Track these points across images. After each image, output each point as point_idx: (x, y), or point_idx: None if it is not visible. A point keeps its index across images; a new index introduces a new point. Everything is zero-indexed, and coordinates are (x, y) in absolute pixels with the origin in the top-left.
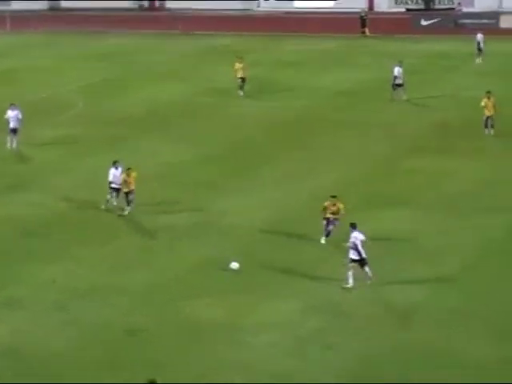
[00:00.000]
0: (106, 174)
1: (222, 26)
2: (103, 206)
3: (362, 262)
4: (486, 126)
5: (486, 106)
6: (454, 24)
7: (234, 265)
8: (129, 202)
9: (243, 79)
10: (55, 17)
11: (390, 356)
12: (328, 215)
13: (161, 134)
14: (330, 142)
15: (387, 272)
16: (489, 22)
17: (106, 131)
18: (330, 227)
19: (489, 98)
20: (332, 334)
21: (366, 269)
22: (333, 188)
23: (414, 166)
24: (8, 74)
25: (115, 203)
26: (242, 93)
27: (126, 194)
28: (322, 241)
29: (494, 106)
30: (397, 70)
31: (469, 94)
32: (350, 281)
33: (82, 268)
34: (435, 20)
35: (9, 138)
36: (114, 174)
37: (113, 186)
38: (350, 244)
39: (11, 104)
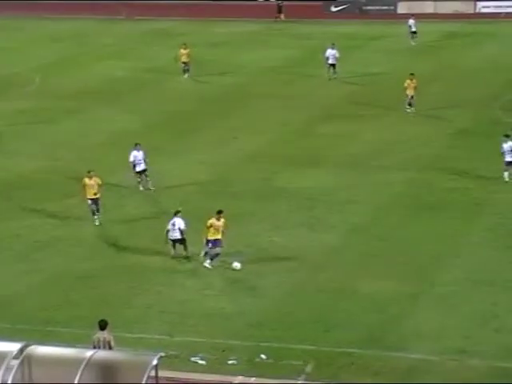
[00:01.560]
0: (62, 141)
1: (162, 12)
2: (141, 188)
3: (181, 241)
4: (410, 105)
5: (408, 87)
6: (359, 10)
7: (236, 265)
8: (95, 212)
9: (186, 63)
10: (15, 4)
11: (306, 294)
12: (210, 236)
13: (109, 106)
14: (254, 112)
15: (306, 220)
16: (388, 9)
17: (61, 104)
18: (217, 250)
19: (411, 80)
20: (255, 276)
21: (183, 248)
22: (255, 151)
23: (327, 131)
24: None
25: (141, 188)
26: (186, 75)
27: (93, 200)
28: (206, 264)
29: (416, 87)
30: (328, 52)
31: (374, 70)
32: (173, 251)
33: (41, 223)
34: (343, 6)
35: None
36: (135, 155)
37: (137, 169)
38: (169, 226)
39: None
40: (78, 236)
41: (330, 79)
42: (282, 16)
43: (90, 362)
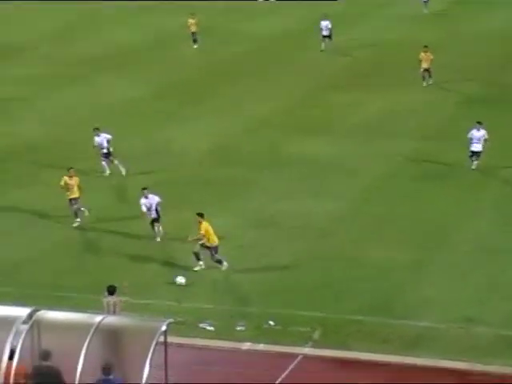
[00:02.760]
0: (69, 108)
1: None
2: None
3: (156, 220)
4: (424, 78)
5: (422, 60)
6: None
7: (181, 279)
8: (75, 212)
9: (194, 33)
10: None
11: (313, 262)
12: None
13: (117, 73)
14: (261, 80)
15: (312, 188)
16: None
17: (67, 70)
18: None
19: (425, 52)
20: (263, 244)
21: (159, 227)
22: (261, 120)
23: (333, 100)
24: None
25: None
26: (195, 45)
27: (71, 201)
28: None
29: (432, 60)
30: (321, 24)
31: (382, 38)
32: (158, 239)
33: (49, 191)
34: None
35: None
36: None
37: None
38: (143, 208)
39: None
40: (86, 204)
41: (321, 51)
42: None
43: (99, 328)
